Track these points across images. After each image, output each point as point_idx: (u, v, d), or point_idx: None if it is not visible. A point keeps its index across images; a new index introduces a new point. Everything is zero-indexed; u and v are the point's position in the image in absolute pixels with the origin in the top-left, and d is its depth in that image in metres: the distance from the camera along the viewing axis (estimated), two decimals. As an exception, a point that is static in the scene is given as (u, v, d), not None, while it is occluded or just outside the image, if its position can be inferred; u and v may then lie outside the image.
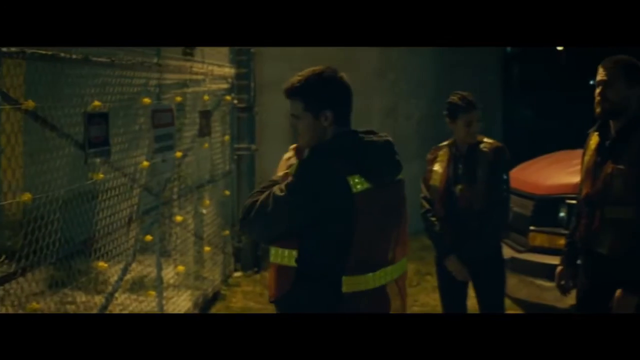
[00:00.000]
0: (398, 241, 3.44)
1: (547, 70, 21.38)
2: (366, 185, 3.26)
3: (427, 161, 5.62)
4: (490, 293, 5.54)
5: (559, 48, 22.45)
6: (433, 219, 5.48)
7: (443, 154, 5.55)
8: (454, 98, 5.44)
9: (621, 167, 4.45)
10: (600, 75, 4.55)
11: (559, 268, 4.99)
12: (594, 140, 4.72)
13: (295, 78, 3.39)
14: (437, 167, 5.52)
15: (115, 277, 5.93)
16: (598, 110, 4.57)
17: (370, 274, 3.31)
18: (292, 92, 3.39)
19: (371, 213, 3.27)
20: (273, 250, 3.38)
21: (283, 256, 3.32)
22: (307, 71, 3.41)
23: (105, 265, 5.46)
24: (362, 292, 3.29)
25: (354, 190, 3.23)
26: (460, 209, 5.39)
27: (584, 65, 20.75)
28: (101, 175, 5.34)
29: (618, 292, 4.42)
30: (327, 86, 3.36)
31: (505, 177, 5.42)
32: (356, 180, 3.25)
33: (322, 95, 3.35)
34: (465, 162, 5.44)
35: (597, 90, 4.56)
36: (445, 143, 5.63)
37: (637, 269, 4.36)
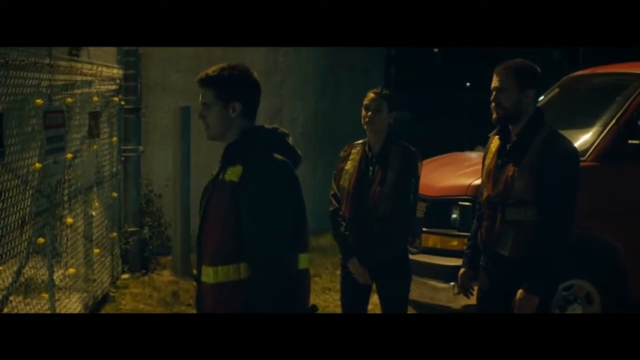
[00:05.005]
0: None
1: (423, 72, 21.86)
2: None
3: (340, 158, 5.52)
4: (391, 296, 5.44)
5: (435, 50, 23.01)
6: (339, 219, 5.40)
7: (356, 152, 5.45)
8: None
9: (522, 169, 4.58)
10: (494, 81, 4.67)
11: (462, 270, 5.08)
12: (494, 143, 4.84)
13: (211, 68, 3.55)
14: (348, 166, 5.42)
15: (8, 280, 5.84)
16: (494, 116, 4.70)
17: (307, 254, 3.58)
18: (206, 81, 3.53)
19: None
20: (216, 270, 3.45)
21: (229, 273, 3.42)
22: (222, 64, 3.57)
23: (0, 267, 5.40)
24: (306, 269, 3.55)
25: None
26: (367, 211, 5.29)
27: (458, 67, 21.46)
28: (-5, 177, 5.28)
29: (519, 292, 4.52)
30: (239, 79, 3.53)
31: (413, 181, 5.33)
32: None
33: (233, 86, 3.51)
34: (376, 164, 5.35)
35: (492, 97, 4.68)
36: (360, 141, 5.51)
37: (538, 269, 4.49)
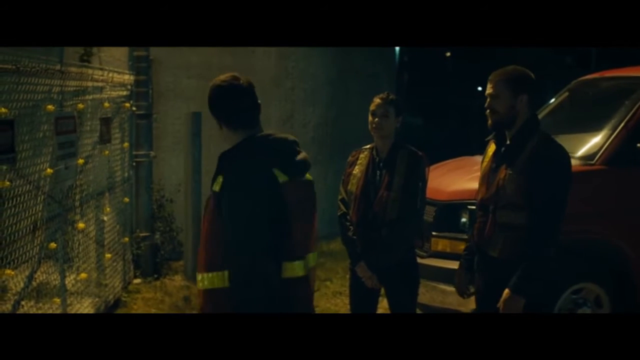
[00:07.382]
0: (313, 234, 3.73)
1: (435, 77, 21.84)
2: (284, 177, 3.54)
3: (348, 163, 5.56)
4: (400, 300, 5.49)
5: (447, 54, 23.03)
6: (347, 223, 5.44)
7: (364, 157, 5.50)
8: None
9: (513, 172, 4.63)
10: (488, 88, 4.75)
11: (458, 271, 5.13)
12: (491, 147, 4.91)
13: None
14: (356, 171, 5.47)
15: (20, 285, 5.89)
16: (489, 122, 4.78)
17: (302, 261, 3.61)
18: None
19: (294, 202, 3.56)
20: (203, 277, 3.53)
21: (214, 280, 3.49)
22: (213, 81, 3.64)
23: (12, 272, 5.45)
24: (298, 278, 3.57)
25: (280, 180, 3.52)
26: (374, 216, 5.34)
27: (470, 72, 21.48)
28: (7, 183, 5.33)
29: (505, 292, 4.54)
30: (222, 98, 3.61)
31: (420, 185, 5.38)
32: (278, 172, 3.52)
33: (217, 107, 3.62)
34: (383, 168, 5.39)
35: (486, 104, 4.76)
36: (367, 146, 5.57)
37: (523, 270, 4.51)
